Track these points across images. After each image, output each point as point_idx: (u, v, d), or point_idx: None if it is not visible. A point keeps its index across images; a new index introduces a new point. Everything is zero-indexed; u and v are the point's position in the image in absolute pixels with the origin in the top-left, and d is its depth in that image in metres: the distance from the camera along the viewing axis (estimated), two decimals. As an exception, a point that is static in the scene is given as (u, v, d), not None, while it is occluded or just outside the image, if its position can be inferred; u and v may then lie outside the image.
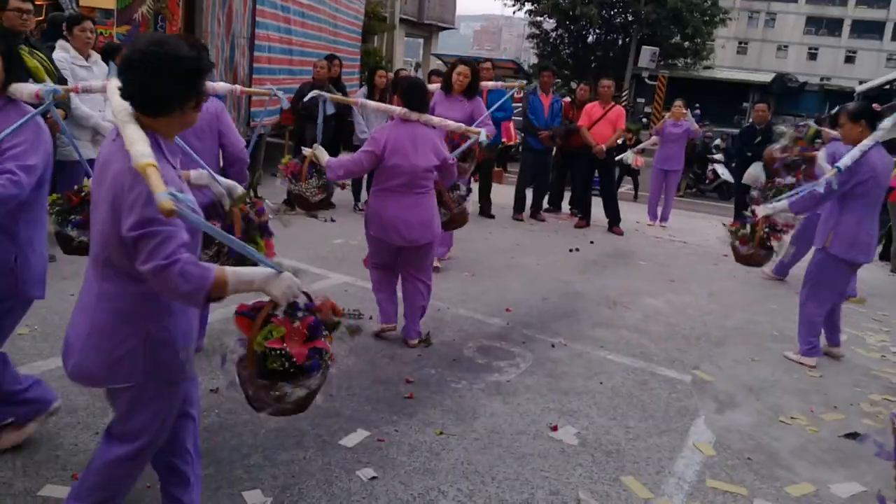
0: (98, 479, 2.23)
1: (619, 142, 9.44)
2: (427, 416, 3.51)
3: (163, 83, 1.98)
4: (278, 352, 2.02)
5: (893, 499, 1.19)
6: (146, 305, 2.08)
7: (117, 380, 2.11)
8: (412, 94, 4.32)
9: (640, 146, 11.36)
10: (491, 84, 7.12)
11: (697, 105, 21.68)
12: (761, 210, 4.59)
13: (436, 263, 6.28)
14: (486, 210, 8.90)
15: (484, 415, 3.59)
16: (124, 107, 2.05)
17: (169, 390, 2.20)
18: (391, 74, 9.07)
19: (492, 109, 6.63)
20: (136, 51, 2.00)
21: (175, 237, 1.93)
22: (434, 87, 6.20)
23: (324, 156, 4.23)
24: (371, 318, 4.71)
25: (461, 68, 6.07)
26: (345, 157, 4.50)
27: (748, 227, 4.65)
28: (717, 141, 15.31)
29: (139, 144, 1.90)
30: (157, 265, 1.89)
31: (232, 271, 1.99)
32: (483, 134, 5.00)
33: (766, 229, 4.57)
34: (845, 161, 4.47)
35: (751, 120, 10.68)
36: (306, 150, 4.30)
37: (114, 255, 2.04)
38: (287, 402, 2.04)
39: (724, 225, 5.00)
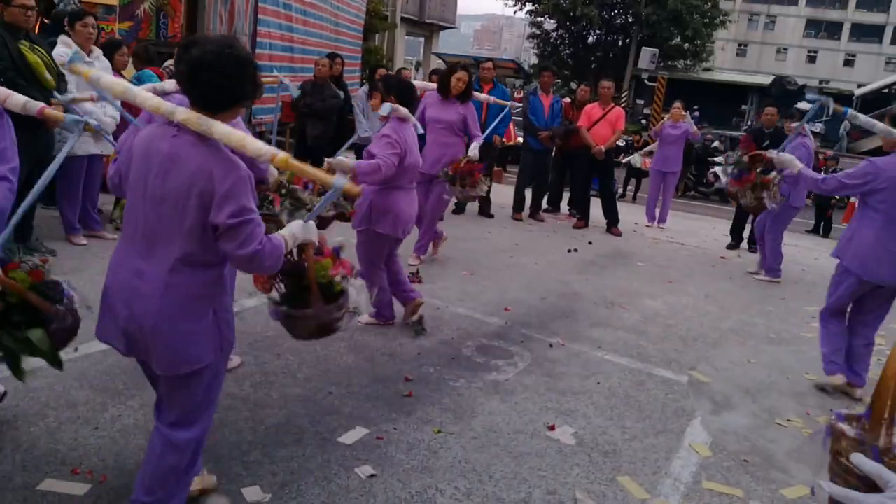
0: (169, 471, 2.35)
1: (621, 143, 9.46)
2: (425, 415, 3.52)
3: (237, 83, 2.16)
4: (340, 275, 2.52)
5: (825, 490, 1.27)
6: (213, 289, 2.24)
7: (195, 361, 2.24)
8: (409, 95, 4.47)
9: (648, 148, 11.39)
10: (483, 97, 7.20)
11: (696, 107, 21.72)
12: (779, 157, 4.63)
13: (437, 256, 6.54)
14: (485, 210, 8.92)
15: (482, 413, 3.60)
16: (170, 106, 2.20)
17: (225, 361, 2.46)
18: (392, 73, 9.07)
19: (491, 127, 6.83)
20: (209, 52, 2.09)
21: (260, 222, 2.17)
22: (420, 84, 6.29)
23: (348, 163, 4.21)
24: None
25: (461, 74, 6.14)
26: (367, 160, 4.31)
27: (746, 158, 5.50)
28: (716, 143, 15.36)
29: (253, 141, 2.17)
30: (254, 250, 2.12)
31: (288, 234, 2.30)
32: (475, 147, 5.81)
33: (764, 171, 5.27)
34: (863, 117, 4.24)
35: (750, 122, 10.70)
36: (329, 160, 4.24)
37: (193, 246, 2.16)
38: (350, 310, 2.53)
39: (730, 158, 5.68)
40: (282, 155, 2.13)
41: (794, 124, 6.91)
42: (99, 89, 3.56)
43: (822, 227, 12.39)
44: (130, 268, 2.21)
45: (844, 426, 1.40)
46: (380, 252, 4.51)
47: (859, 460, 1.27)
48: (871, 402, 1.37)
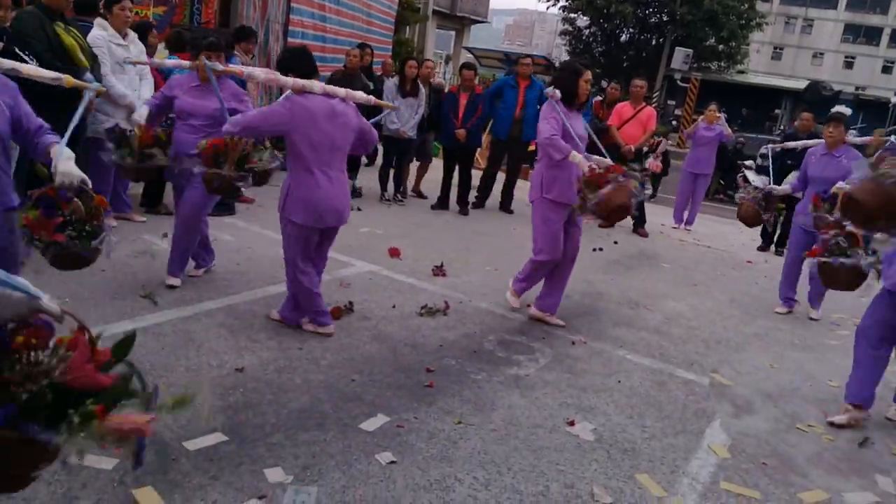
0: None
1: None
2: (446, 405, 3.56)
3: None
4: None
5: None
6: None
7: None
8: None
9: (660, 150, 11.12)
10: None
11: (723, 108, 21.48)
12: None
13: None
14: (505, 206, 8.92)
15: (502, 407, 3.63)
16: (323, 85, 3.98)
17: None
18: (422, 67, 9.07)
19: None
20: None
21: None
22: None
23: None
24: (446, 308, 4.87)
25: (589, 74, 5.17)
26: None
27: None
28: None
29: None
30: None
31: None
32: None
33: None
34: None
35: (783, 127, 10.53)
36: None
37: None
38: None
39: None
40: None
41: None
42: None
43: None
44: (327, 180, 3.94)
45: None
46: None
47: None
48: None
